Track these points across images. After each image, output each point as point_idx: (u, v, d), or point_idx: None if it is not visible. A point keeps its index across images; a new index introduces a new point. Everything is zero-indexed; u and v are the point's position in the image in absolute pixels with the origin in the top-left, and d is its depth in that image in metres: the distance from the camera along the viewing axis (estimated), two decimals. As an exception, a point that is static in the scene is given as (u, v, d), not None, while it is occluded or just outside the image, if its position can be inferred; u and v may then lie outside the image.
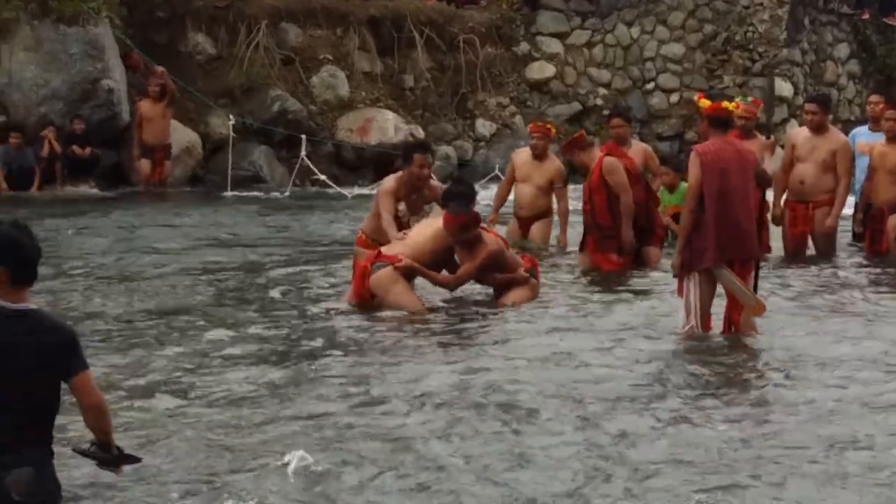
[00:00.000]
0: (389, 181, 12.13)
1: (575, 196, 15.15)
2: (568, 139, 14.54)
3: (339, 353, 9.48)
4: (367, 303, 11.03)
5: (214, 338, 10.00)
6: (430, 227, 11.29)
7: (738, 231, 9.76)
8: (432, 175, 12.33)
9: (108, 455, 5.30)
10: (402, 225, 11.77)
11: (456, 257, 11.32)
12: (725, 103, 9.95)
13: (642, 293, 11.95)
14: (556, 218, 15.26)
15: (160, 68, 22.15)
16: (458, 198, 11.09)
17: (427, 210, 12.04)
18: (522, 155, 15.36)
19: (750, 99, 14.82)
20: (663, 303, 11.13)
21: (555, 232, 15.28)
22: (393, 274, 10.94)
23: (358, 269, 11.13)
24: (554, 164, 15.18)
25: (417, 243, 11.12)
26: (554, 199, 15.11)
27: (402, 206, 11.85)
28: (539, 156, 15.07)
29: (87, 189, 21.66)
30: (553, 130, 15.95)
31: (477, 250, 11.01)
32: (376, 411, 7.79)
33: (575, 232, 14.69)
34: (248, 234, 16.67)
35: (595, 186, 13.10)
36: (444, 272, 11.31)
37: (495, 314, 10.95)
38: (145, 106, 22.01)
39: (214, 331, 10.26)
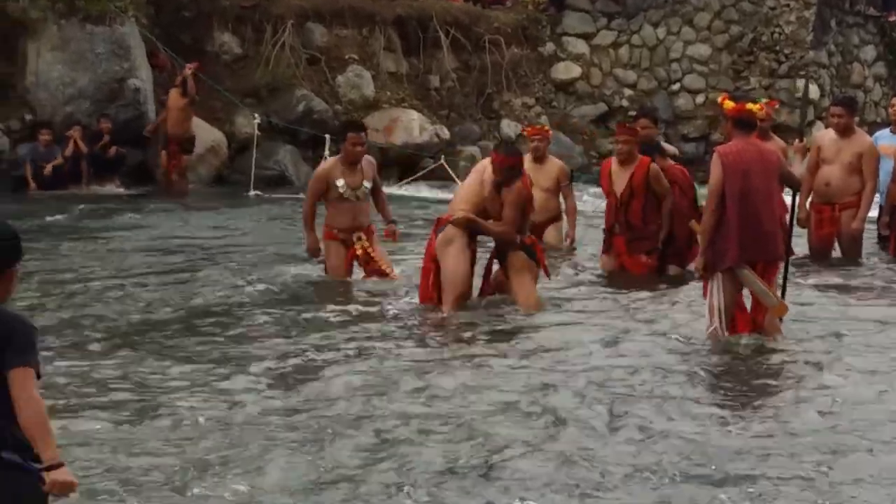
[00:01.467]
0: (321, 166, 12.99)
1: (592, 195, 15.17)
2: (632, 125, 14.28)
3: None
4: (432, 302, 11.18)
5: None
6: (476, 181, 11.36)
7: (761, 232, 9.73)
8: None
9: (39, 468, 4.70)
10: (346, 200, 12.38)
11: None
12: (749, 105, 9.92)
13: (669, 296, 11.93)
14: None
15: (192, 64, 22.14)
16: (510, 144, 12.12)
17: (366, 186, 12.46)
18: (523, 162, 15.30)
19: (765, 100, 14.76)
20: (690, 304, 11.10)
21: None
22: (450, 232, 11.14)
23: (426, 264, 11.33)
24: (556, 164, 15.19)
25: (473, 195, 11.25)
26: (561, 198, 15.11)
27: (340, 182, 12.36)
28: (540, 158, 15.03)
29: (113, 188, 21.75)
30: (550, 132, 16.01)
31: (511, 192, 11.03)
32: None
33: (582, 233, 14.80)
34: (274, 234, 16.75)
35: (637, 188, 13.07)
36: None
37: (527, 317, 11.00)
38: (173, 96, 22.07)
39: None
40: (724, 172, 9.69)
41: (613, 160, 13.39)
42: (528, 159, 15.11)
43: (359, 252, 12.46)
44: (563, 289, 12.42)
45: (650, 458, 6.98)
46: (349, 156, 12.45)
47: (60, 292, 11.84)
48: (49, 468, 4.63)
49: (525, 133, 16.07)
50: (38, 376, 4.72)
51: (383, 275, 12.48)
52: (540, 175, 14.77)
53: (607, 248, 13.50)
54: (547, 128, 16.17)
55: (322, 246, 12.60)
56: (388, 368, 8.94)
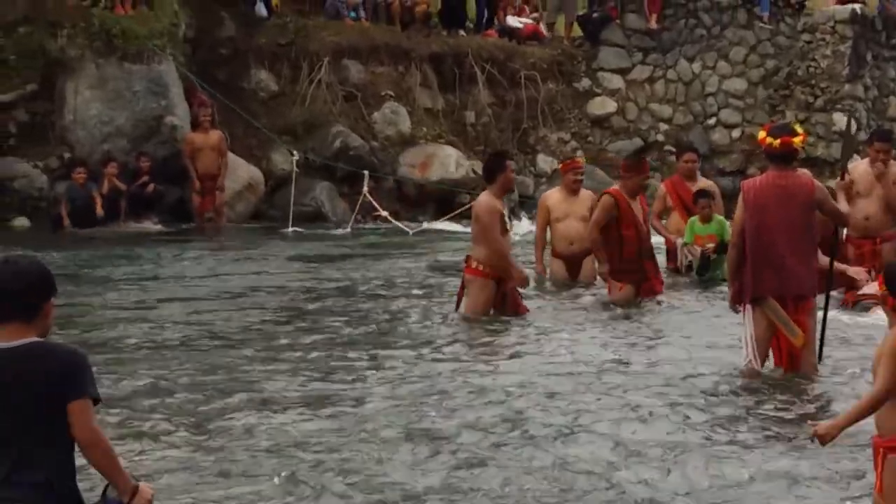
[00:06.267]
0: (488, 200, 12.18)
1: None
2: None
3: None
4: None
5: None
6: None
7: (781, 267, 9.65)
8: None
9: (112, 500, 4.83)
10: (507, 232, 12.27)
11: None
12: (769, 139, 9.83)
13: (708, 327, 11.91)
14: None
15: (204, 97, 22.39)
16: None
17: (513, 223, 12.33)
18: (554, 195, 15.13)
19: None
20: (729, 337, 11.07)
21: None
22: None
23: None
24: (588, 195, 15.03)
25: None
26: None
27: (505, 212, 12.27)
28: (576, 191, 14.99)
29: (151, 225, 21.79)
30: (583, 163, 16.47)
31: None
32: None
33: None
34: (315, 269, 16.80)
35: (646, 214, 13.98)
36: None
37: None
38: (198, 138, 22.16)
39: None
40: (744, 206, 9.73)
41: (623, 195, 13.53)
42: (558, 193, 15.11)
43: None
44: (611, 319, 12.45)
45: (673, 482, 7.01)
46: (509, 184, 12.37)
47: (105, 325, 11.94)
48: (133, 495, 4.81)
49: (561, 167, 15.95)
50: (97, 401, 4.82)
51: (523, 310, 12.43)
52: (577, 206, 14.67)
53: (634, 278, 13.49)
54: (581, 159, 16.29)
55: (469, 283, 12.25)
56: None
